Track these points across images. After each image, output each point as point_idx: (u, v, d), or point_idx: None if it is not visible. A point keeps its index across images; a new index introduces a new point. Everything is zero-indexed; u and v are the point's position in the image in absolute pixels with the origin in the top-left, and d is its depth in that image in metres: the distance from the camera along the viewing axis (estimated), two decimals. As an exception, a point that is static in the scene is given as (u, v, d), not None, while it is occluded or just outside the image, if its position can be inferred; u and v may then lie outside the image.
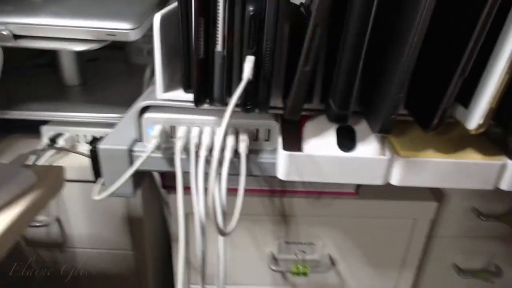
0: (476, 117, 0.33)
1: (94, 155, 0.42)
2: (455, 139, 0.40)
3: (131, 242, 0.64)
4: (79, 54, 0.67)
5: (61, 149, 0.58)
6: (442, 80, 0.32)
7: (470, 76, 0.32)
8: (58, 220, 0.63)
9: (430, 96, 0.34)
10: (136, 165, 0.38)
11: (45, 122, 0.60)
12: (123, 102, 0.62)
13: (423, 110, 0.35)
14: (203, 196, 0.36)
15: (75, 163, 0.57)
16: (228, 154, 0.38)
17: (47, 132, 0.59)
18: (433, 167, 0.37)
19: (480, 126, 0.34)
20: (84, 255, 0.66)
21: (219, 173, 0.38)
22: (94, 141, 0.42)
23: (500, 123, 0.35)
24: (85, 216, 0.62)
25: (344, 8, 0.31)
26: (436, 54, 0.34)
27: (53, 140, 0.58)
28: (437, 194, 0.59)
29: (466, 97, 0.34)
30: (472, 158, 0.37)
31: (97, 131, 0.59)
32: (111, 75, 0.75)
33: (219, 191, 0.36)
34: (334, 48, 0.35)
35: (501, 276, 0.67)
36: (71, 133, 0.59)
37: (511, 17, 0.29)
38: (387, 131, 0.33)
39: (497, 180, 0.38)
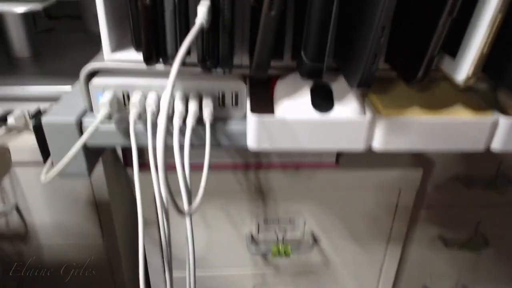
0: (465, 66, 0.29)
1: (39, 130, 0.36)
2: (442, 96, 0.36)
3: (99, 229, 0.59)
4: (28, 22, 0.61)
5: (11, 128, 0.52)
6: (427, 25, 0.28)
7: (457, 22, 0.28)
8: (18, 209, 0.57)
9: (414, 45, 0.30)
10: (84, 137, 0.33)
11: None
12: (78, 72, 0.56)
13: (406, 61, 0.31)
14: (163, 172, 0.31)
15: (29, 143, 0.51)
16: (190, 121, 0.34)
17: (-5, 110, 0.53)
18: (419, 127, 0.33)
19: (469, 77, 0.30)
20: (50, 246, 0.61)
21: (181, 145, 0.33)
22: (37, 114, 0.37)
23: (489, 74, 0.32)
24: (46, 203, 0.57)
25: None
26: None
27: (2, 118, 0.52)
28: (420, 162, 0.56)
29: (454, 46, 0.30)
30: (461, 115, 0.34)
31: (51, 107, 0.53)
32: (67, 45, 0.69)
33: (181, 165, 0.31)
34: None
35: (488, 246, 0.66)
36: (22, 109, 0.53)
37: None
38: (367, 84, 0.29)
39: (489, 139, 0.34)
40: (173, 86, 0.23)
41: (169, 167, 0.29)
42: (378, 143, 0.35)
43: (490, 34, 0.28)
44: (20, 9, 0.43)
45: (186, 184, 0.32)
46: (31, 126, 0.54)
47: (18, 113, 0.52)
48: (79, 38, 0.72)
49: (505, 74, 0.31)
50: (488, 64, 0.29)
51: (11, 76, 0.56)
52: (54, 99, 0.53)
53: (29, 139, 0.52)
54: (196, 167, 0.36)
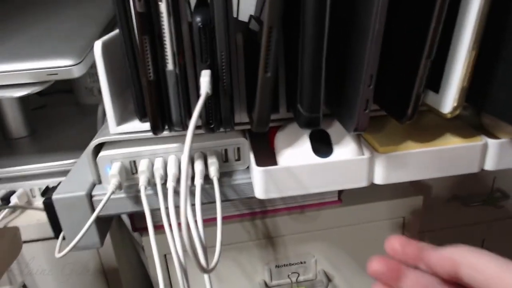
0: (449, 99, 0.32)
1: (50, 208, 0.37)
2: (431, 127, 0.38)
3: (109, 296, 0.58)
4: (23, 102, 0.63)
5: (15, 208, 0.52)
6: (410, 67, 0.31)
7: (435, 59, 0.31)
8: (25, 287, 0.56)
9: (400, 86, 0.32)
10: (97, 211, 0.34)
11: (-4, 181, 0.54)
12: (77, 146, 0.57)
13: (395, 102, 0.33)
14: (178, 232, 0.32)
15: (33, 221, 0.51)
16: (198, 181, 0.35)
17: (-3, 192, 0.53)
18: (415, 159, 0.35)
19: (455, 108, 0.32)
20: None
21: (192, 204, 0.34)
22: (47, 191, 0.38)
23: (472, 103, 0.34)
24: (54, 278, 0.56)
25: (297, 8, 0.29)
26: (400, 41, 0.32)
27: (5, 199, 0.52)
28: (418, 188, 0.58)
29: (435, 81, 0.33)
30: (452, 143, 0.36)
31: (54, 182, 0.54)
32: (61, 120, 0.70)
33: (195, 224, 0.32)
34: (292, 51, 0.33)
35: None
36: (24, 188, 0.54)
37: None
38: (362, 129, 0.31)
39: (481, 161, 0.37)
40: (190, 152, 0.24)
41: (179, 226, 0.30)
42: (379, 179, 0.36)
43: (467, 69, 0.30)
44: (21, 93, 0.45)
45: (201, 241, 0.33)
46: (34, 204, 0.54)
47: (20, 192, 0.53)
48: (72, 112, 0.74)
49: (486, 101, 0.33)
50: (470, 93, 0.32)
51: (11, 157, 0.56)
52: (55, 175, 0.53)
53: (33, 217, 0.52)
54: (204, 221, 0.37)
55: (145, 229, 0.50)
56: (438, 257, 0.24)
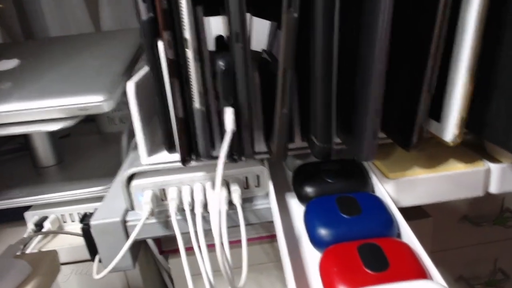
0: (450, 129, 0.35)
1: (87, 232, 0.41)
2: (436, 153, 0.41)
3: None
4: (52, 133, 0.67)
5: (49, 233, 0.56)
6: (412, 99, 0.34)
7: (436, 90, 0.34)
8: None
9: (404, 116, 0.36)
10: (134, 235, 0.37)
11: (27, 207, 0.58)
12: (103, 173, 0.61)
13: (400, 131, 0.37)
14: (207, 254, 0.35)
15: (65, 245, 0.55)
16: (224, 207, 0.38)
17: (31, 218, 0.57)
18: (423, 184, 0.38)
19: (456, 137, 0.35)
20: None
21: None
22: (84, 218, 0.41)
23: (472, 130, 0.37)
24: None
25: (307, 46, 0.33)
26: (402, 75, 0.36)
27: (38, 224, 0.56)
28: (427, 210, 0.59)
29: (436, 111, 0.36)
30: (456, 168, 0.39)
31: (83, 208, 0.58)
32: (86, 148, 0.75)
33: (221, 246, 0.35)
34: (304, 86, 0.37)
35: (509, 280, 0.67)
36: (56, 214, 0.57)
37: (461, 29, 0.32)
38: (371, 158, 0.34)
39: (485, 185, 0.39)
40: (221, 182, 0.28)
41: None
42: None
43: (465, 101, 0.33)
44: (55, 127, 0.49)
45: (228, 263, 0.36)
46: (66, 229, 0.58)
47: (53, 218, 0.57)
48: (95, 140, 0.78)
49: (485, 129, 0.36)
50: (470, 121, 0.35)
51: (41, 185, 0.60)
52: (84, 201, 0.57)
53: (64, 241, 0.56)
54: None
55: (171, 252, 0.53)
56: None
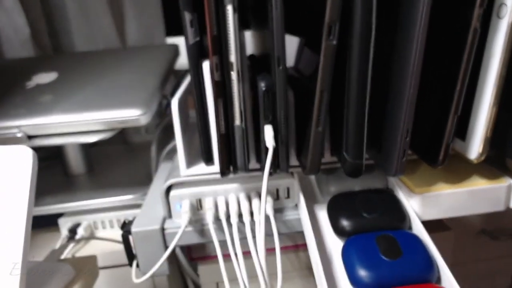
0: (474, 148, 0.37)
1: (126, 238, 0.43)
2: (459, 169, 0.43)
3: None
4: (84, 143, 0.70)
5: (86, 239, 0.59)
6: (440, 121, 0.36)
7: (462, 112, 0.36)
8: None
9: (432, 136, 0.38)
10: (175, 242, 0.40)
11: (60, 214, 0.61)
12: (133, 182, 0.64)
13: (427, 149, 0.39)
14: (243, 262, 0.37)
15: (98, 251, 0.57)
16: (258, 216, 0.41)
17: (64, 224, 0.60)
18: (447, 199, 0.40)
19: (480, 154, 0.37)
20: None
21: (253, 237, 0.40)
22: (124, 225, 0.44)
23: (496, 149, 0.39)
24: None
25: (340, 66, 0.35)
26: (431, 98, 0.38)
27: (72, 230, 0.59)
28: (445, 223, 0.61)
29: (462, 130, 0.38)
30: (479, 184, 0.41)
31: (114, 215, 0.60)
32: (114, 157, 0.78)
33: (256, 254, 0.38)
34: (336, 105, 0.39)
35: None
36: (88, 221, 0.60)
37: (488, 53, 0.34)
38: (400, 174, 0.36)
39: (507, 200, 0.41)
40: (266, 196, 0.30)
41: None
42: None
43: (490, 122, 0.36)
44: (94, 139, 0.52)
45: (262, 270, 0.38)
46: (97, 235, 0.60)
47: (85, 225, 0.59)
48: (121, 149, 0.81)
49: (508, 148, 0.38)
50: (493, 140, 0.37)
51: (73, 193, 0.63)
52: (116, 208, 0.60)
53: (96, 247, 0.58)
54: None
55: (200, 259, 0.55)
56: None
